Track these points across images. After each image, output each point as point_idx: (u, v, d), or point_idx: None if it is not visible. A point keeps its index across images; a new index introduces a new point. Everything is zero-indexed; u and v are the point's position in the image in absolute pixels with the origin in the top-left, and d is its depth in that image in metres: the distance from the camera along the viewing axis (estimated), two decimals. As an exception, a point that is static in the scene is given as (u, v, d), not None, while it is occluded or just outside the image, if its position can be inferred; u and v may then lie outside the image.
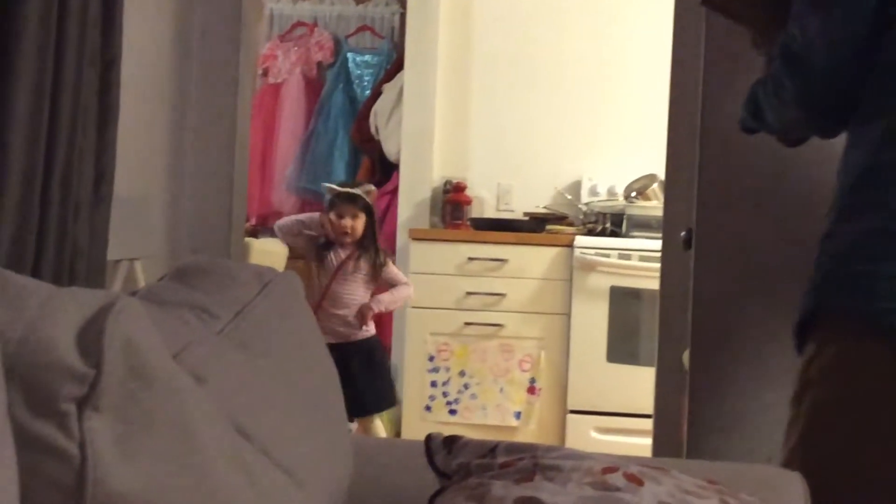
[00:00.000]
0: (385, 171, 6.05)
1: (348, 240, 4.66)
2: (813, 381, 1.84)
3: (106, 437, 0.99)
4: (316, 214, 4.84)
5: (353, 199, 4.71)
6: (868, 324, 1.75)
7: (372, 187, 4.90)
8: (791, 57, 1.91)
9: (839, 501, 1.71)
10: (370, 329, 4.72)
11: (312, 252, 4.75)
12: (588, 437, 4.95)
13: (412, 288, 4.84)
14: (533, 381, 5.11)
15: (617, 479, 1.30)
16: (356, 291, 4.68)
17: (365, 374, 4.55)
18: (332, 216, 4.68)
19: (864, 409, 1.77)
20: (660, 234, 3.45)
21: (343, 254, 4.70)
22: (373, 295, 4.74)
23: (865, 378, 1.77)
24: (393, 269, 4.81)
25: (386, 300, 4.74)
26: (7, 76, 1.98)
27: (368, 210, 4.73)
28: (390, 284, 4.77)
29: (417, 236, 5.23)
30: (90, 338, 1.00)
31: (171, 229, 3.39)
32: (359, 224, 4.68)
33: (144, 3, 3.11)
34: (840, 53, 1.84)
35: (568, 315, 5.06)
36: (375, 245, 4.74)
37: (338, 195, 4.73)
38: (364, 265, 4.69)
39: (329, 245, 4.71)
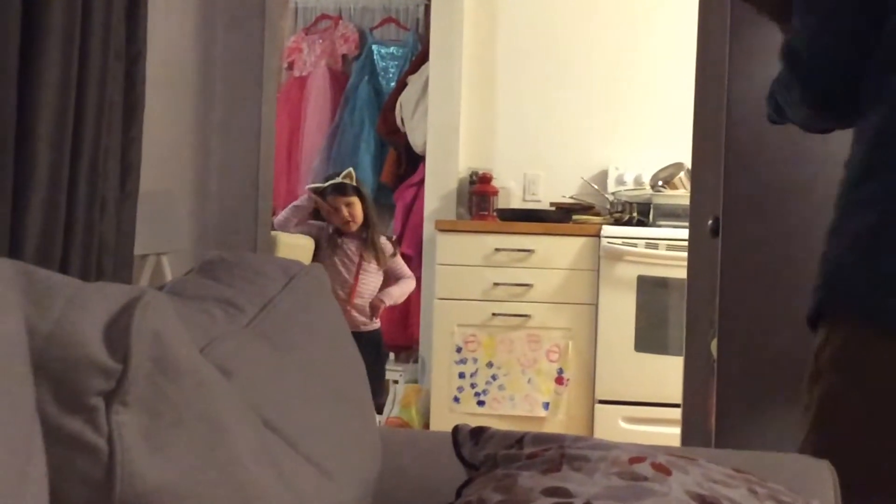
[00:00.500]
0: (411, 162, 6.05)
1: (353, 227, 4.72)
2: (822, 371, 1.86)
3: (134, 432, 1.00)
4: (305, 196, 4.90)
5: (340, 189, 4.77)
6: (869, 318, 1.78)
7: (350, 170, 4.96)
8: (791, 55, 1.93)
9: (851, 487, 1.72)
10: (376, 321, 4.80)
11: (325, 239, 4.79)
12: (617, 426, 4.94)
13: (414, 281, 4.91)
14: (561, 371, 5.11)
15: (644, 468, 1.29)
16: (369, 279, 4.74)
17: (370, 368, 4.59)
18: (329, 212, 4.75)
19: (870, 401, 1.79)
20: (687, 223, 3.43)
21: (355, 241, 4.75)
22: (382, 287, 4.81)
23: (870, 371, 1.79)
24: (400, 261, 4.86)
25: (395, 294, 4.81)
26: (33, 72, 1.99)
27: (359, 193, 4.78)
28: (396, 276, 4.81)
29: (444, 228, 5.23)
30: (117, 332, 1.00)
31: (198, 224, 3.40)
32: (356, 209, 4.73)
33: (169, -1, 3.13)
34: (835, 49, 1.86)
35: (595, 305, 5.05)
36: (372, 229, 4.79)
37: (323, 191, 4.79)
38: (371, 252, 4.75)
39: (339, 233, 4.76)
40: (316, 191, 4.88)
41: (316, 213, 4.92)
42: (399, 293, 4.84)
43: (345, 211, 4.71)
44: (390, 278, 4.86)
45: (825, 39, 1.88)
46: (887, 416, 1.76)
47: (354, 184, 4.83)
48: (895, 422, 1.76)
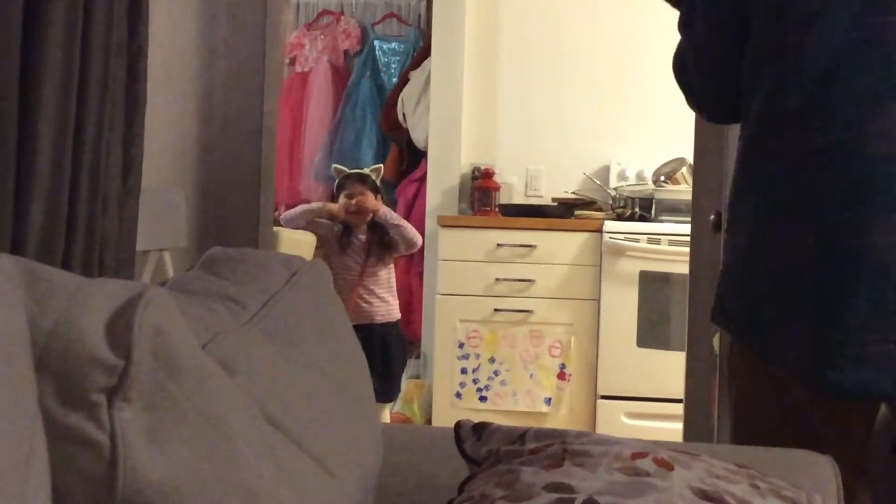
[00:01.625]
0: (413, 158, 6.05)
1: (359, 219, 4.71)
2: (734, 371, 2.01)
3: (136, 428, 1.00)
4: (321, 203, 4.89)
5: (362, 178, 4.76)
6: (742, 340, 1.95)
7: (380, 166, 4.96)
8: (679, 67, 2.06)
9: None
10: (393, 311, 4.78)
11: (334, 239, 4.78)
12: (619, 422, 4.94)
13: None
14: (563, 366, 5.11)
15: (647, 464, 1.29)
16: (375, 282, 4.73)
17: (382, 363, 4.60)
18: (343, 197, 4.73)
19: (763, 399, 1.92)
20: (689, 218, 3.43)
21: (364, 237, 4.74)
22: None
23: (749, 376, 1.95)
24: (390, 212, 4.85)
25: (401, 225, 4.78)
26: (35, 69, 1.99)
27: (376, 191, 4.78)
28: (391, 224, 4.78)
29: (446, 223, 5.23)
30: (119, 329, 1.00)
31: (200, 220, 3.40)
32: (368, 200, 4.72)
33: (170, -6, 3.12)
34: (710, 67, 1.99)
35: (597, 300, 5.05)
36: (383, 227, 4.79)
37: (347, 176, 4.79)
38: (376, 246, 4.75)
39: (348, 231, 4.75)
40: (339, 172, 4.88)
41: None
42: (405, 225, 4.83)
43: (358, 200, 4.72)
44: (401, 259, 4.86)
45: (705, 58, 1.98)
46: (791, 416, 1.87)
47: (378, 182, 4.83)
48: (796, 418, 1.86)
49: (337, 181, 4.88)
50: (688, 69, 2.02)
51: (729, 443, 1.99)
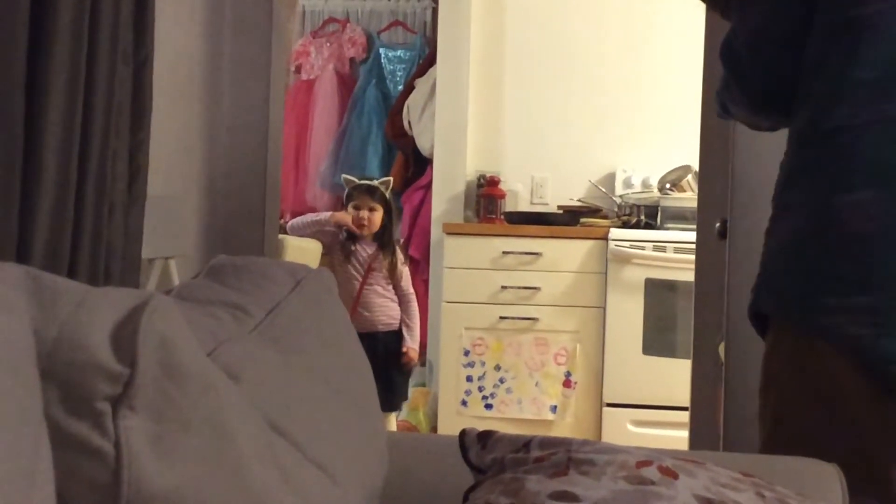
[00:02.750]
0: (419, 165, 6.05)
1: (365, 232, 4.71)
2: (774, 377, 1.92)
3: (141, 436, 1.00)
4: (328, 213, 4.89)
5: (370, 190, 4.76)
6: (800, 324, 1.84)
7: (390, 179, 4.95)
8: (730, 54, 1.97)
9: None
10: (394, 320, 4.78)
11: (338, 247, 4.78)
12: (625, 430, 4.94)
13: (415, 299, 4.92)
14: (568, 374, 5.10)
15: (651, 472, 1.29)
16: (374, 290, 4.73)
17: (385, 371, 4.59)
18: (350, 208, 4.73)
19: (821, 404, 1.83)
20: (694, 226, 3.43)
21: (368, 249, 4.73)
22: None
23: (812, 376, 1.84)
24: (408, 278, 4.85)
25: (415, 331, 4.81)
26: (41, 77, 1.99)
27: (386, 204, 4.76)
28: (402, 293, 4.80)
29: (452, 231, 5.23)
30: (124, 337, 1.00)
31: (205, 227, 3.40)
32: (375, 217, 4.72)
33: (176, 2, 3.13)
34: (772, 50, 1.90)
35: (603, 308, 5.05)
36: (392, 242, 4.79)
37: (356, 187, 4.79)
38: (384, 262, 4.74)
39: (353, 239, 4.74)
40: (348, 182, 4.88)
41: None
42: (416, 328, 4.86)
43: (365, 213, 4.71)
44: (397, 295, 4.85)
45: (762, 40, 1.91)
46: (838, 422, 1.80)
47: (387, 194, 4.82)
48: (846, 427, 1.79)
49: (346, 191, 4.88)
50: (738, 57, 1.97)
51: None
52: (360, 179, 4.94)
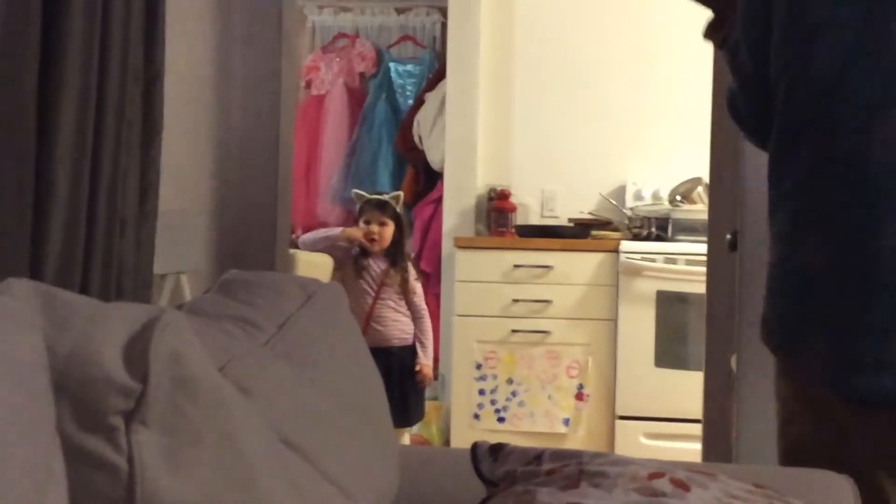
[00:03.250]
0: (429, 179, 6.06)
1: (376, 247, 4.70)
2: (779, 396, 1.95)
3: (153, 451, 1.00)
4: (340, 229, 4.89)
5: (381, 205, 4.75)
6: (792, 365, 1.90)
7: (400, 193, 4.94)
8: (732, 108, 2.03)
9: None
10: (408, 335, 4.77)
11: (350, 262, 4.78)
12: (637, 442, 4.93)
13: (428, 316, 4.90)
14: (581, 387, 5.10)
15: (663, 484, 1.29)
16: (387, 305, 4.72)
17: (397, 386, 4.58)
18: (361, 223, 4.72)
19: (806, 425, 1.87)
20: (705, 238, 3.43)
21: (381, 264, 4.73)
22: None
23: (794, 400, 1.90)
24: (421, 293, 4.84)
25: (429, 347, 4.80)
26: (52, 94, 2.00)
27: (397, 218, 4.75)
28: (415, 308, 4.79)
29: (463, 244, 5.23)
30: (137, 352, 1.01)
31: (216, 242, 3.41)
32: (386, 232, 4.71)
33: (186, 19, 3.14)
34: (754, 83, 1.93)
35: (615, 321, 5.04)
36: (403, 255, 4.77)
37: (367, 202, 4.78)
38: (395, 278, 4.73)
39: (365, 254, 4.74)
40: (359, 197, 4.88)
41: None
42: (429, 344, 4.85)
43: (375, 228, 4.70)
44: (410, 310, 4.83)
45: (753, 105, 1.96)
46: (826, 428, 1.83)
47: (398, 209, 4.81)
48: (832, 434, 1.82)
49: (357, 206, 4.87)
50: (738, 106, 2.01)
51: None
52: (370, 194, 4.94)
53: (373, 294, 4.72)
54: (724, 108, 2.97)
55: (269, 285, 1.64)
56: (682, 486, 1.29)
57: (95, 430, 0.98)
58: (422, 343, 4.79)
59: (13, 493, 0.84)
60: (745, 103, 1.99)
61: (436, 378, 5.38)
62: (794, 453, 1.90)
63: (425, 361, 4.77)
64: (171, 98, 2.56)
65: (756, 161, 2.89)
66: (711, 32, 2.10)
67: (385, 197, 4.85)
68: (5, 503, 0.84)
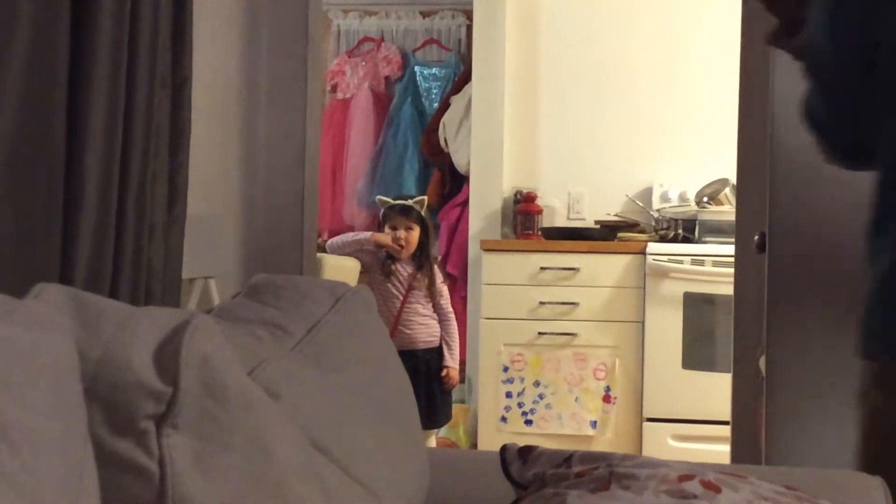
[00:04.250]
0: (455, 182, 6.06)
1: (404, 253, 4.70)
2: (868, 389, 1.85)
3: (184, 454, 1.01)
4: (368, 233, 4.88)
5: (406, 210, 4.75)
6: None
7: (424, 197, 4.94)
8: (811, 115, 1.90)
9: None
10: (434, 337, 4.76)
11: (377, 266, 4.78)
12: (665, 445, 4.91)
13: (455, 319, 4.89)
14: (608, 389, 5.09)
15: (693, 486, 1.29)
16: (415, 309, 4.72)
17: (423, 388, 4.57)
18: (388, 229, 4.73)
19: None
20: (733, 239, 3.42)
21: (408, 268, 4.73)
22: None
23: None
24: (447, 296, 4.84)
25: (456, 350, 4.79)
26: (81, 101, 2.01)
27: (422, 222, 4.75)
28: (442, 311, 4.78)
29: (489, 247, 5.23)
30: (167, 356, 1.01)
31: (244, 247, 3.42)
32: (413, 236, 4.71)
33: (213, 25, 3.15)
34: (851, 117, 1.83)
35: (642, 322, 5.03)
36: (429, 258, 4.77)
37: (391, 207, 4.78)
38: (423, 281, 4.73)
39: (392, 258, 4.74)
40: (383, 202, 4.88)
41: None
42: (456, 347, 4.84)
43: (402, 234, 4.70)
44: (437, 313, 4.83)
45: (838, 105, 1.84)
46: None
47: (423, 213, 4.82)
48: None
49: (381, 212, 4.88)
50: (818, 114, 1.92)
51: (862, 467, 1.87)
52: (394, 199, 4.94)
53: (400, 297, 4.72)
54: (751, 107, 2.96)
55: (297, 289, 1.64)
56: (713, 487, 1.29)
57: (126, 434, 0.98)
58: (448, 346, 4.79)
59: (47, 496, 0.84)
60: (834, 108, 1.86)
61: (462, 381, 5.37)
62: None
63: (451, 364, 4.77)
64: (199, 103, 2.57)
65: (784, 161, 2.89)
66: (780, 39, 2.04)
67: (409, 202, 4.85)
68: (38, 507, 0.84)
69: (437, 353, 4.77)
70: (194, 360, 1.03)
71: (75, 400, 0.94)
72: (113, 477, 0.97)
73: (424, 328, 4.76)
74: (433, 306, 4.77)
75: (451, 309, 4.85)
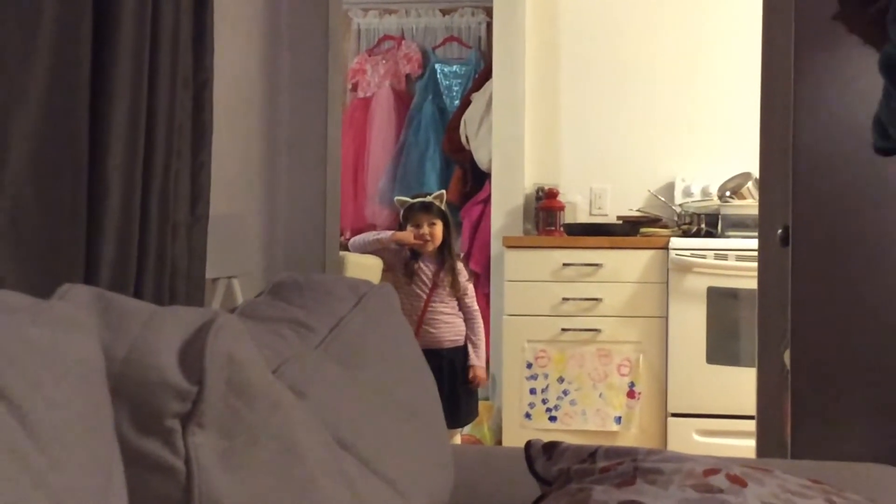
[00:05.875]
0: (477, 180, 6.06)
1: (430, 248, 4.69)
2: None
3: (210, 452, 1.01)
4: (390, 232, 4.88)
5: (426, 207, 4.74)
6: None
7: (443, 192, 4.94)
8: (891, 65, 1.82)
9: None
10: (460, 336, 4.75)
11: (401, 265, 4.78)
12: (690, 439, 4.90)
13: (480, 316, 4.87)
14: (632, 385, 5.08)
15: (719, 480, 1.28)
16: (439, 307, 4.71)
17: (448, 386, 4.56)
18: (409, 227, 4.72)
19: None
20: (756, 233, 3.40)
21: (432, 266, 4.72)
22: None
23: None
24: (472, 294, 4.82)
25: (481, 348, 4.78)
26: (104, 102, 2.02)
27: (444, 216, 4.75)
28: (467, 309, 4.77)
29: (511, 244, 5.23)
30: (192, 355, 1.02)
31: (267, 246, 3.43)
32: (437, 230, 4.70)
33: (234, 25, 3.16)
34: None
35: (665, 318, 5.01)
36: (452, 254, 4.76)
37: (410, 206, 4.77)
38: (447, 277, 4.72)
39: (416, 256, 4.73)
40: (402, 203, 4.88)
41: None
42: (482, 345, 4.83)
43: (426, 229, 4.70)
44: (462, 311, 4.82)
45: None
46: None
47: (443, 207, 4.81)
48: None
49: (402, 212, 4.87)
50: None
51: None
52: (412, 198, 4.94)
53: (424, 296, 4.72)
54: (773, 101, 2.94)
55: (320, 287, 1.64)
56: (739, 481, 1.28)
57: (152, 433, 0.99)
58: (474, 344, 4.78)
59: (75, 495, 0.85)
60: None
61: (487, 378, 5.37)
62: None
63: (478, 363, 4.76)
64: (221, 103, 2.58)
65: (807, 154, 2.88)
66: (858, 5, 1.96)
67: (428, 198, 4.85)
68: (67, 505, 0.85)
69: (462, 352, 4.76)
70: (219, 358, 1.03)
71: (102, 399, 0.95)
72: (140, 476, 0.98)
73: (449, 327, 4.75)
74: (458, 304, 4.77)
75: (477, 307, 4.84)
